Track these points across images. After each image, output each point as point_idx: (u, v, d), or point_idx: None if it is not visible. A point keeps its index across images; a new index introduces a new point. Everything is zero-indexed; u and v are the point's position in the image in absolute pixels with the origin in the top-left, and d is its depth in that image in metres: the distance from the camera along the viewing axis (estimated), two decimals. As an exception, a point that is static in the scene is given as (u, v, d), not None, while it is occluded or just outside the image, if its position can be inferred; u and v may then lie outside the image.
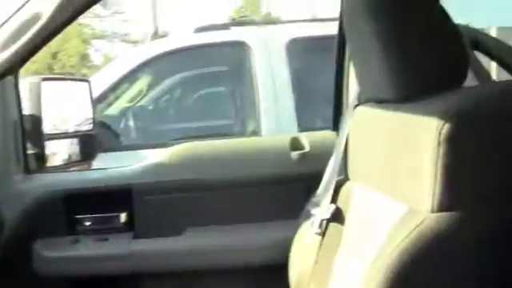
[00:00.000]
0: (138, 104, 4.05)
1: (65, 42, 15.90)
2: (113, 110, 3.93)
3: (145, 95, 4.07)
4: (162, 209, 2.11)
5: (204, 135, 3.45)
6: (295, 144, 2.11)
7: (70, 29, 2.65)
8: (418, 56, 1.22)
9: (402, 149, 1.22)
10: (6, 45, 1.76)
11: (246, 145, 2.33)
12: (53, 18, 1.73)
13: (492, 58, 3.43)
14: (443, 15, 1.24)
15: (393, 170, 1.27)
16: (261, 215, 2.08)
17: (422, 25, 1.23)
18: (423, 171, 1.11)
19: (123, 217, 2.11)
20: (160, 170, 2.13)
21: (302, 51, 3.57)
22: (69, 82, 2.72)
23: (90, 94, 2.46)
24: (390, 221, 1.21)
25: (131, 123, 3.88)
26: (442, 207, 1.09)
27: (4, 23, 1.75)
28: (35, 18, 1.74)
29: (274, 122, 3.33)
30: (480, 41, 3.42)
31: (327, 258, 1.56)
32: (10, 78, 1.98)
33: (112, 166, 2.28)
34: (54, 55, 16.26)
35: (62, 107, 2.35)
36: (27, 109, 2.08)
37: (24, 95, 2.07)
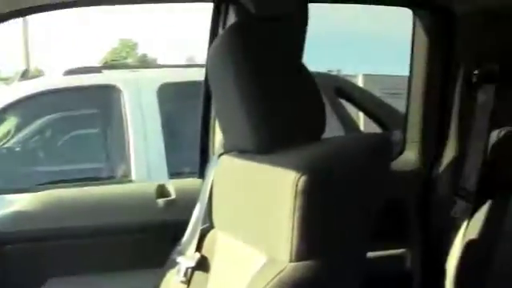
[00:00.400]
0: (5, 146, 3.90)
1: None
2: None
3: (12, 137, 3.92)
4: (22, 259, 2.03)
5: (72, 179, 3.36)
6: (161, 191, 2.11)
7: None
8: (277, 109, 1.26)
9: (261, 200, 1.25)
10: None
11: (111, 192, 2.29)
12: None
13: (355, 104, 3.60)
14: (302, 70, 1.30)
15: (253, 220, 1.29)
16: (126, 264, 2.05)
17: (283, 79, 1.28)
18: (281, 222, 1.14)
19: (-21, 269, 2.02)
20: (21, 218, 2.06)
21: (174, 96, 3.56)
22: None
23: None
24: (251, 270, 1.23)
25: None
26: (299, 257, 1.12)
27: None
28: None
29: (145, 166, 3.29)
30: (344, 88, 3.59)
31: None
32: None
33: None
34: None
35: None
36: None
37: None
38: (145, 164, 3.29)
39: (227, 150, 1.55)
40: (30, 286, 2.01)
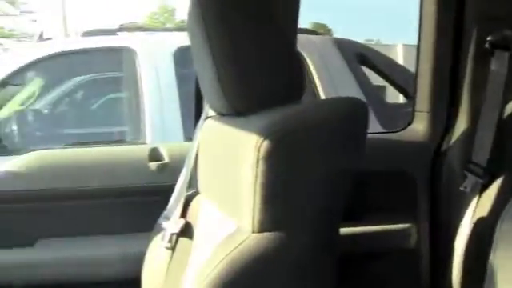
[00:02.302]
0: (33, 108, 3.89)
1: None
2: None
3: (37, 98, 3.91)
4: (15, 218, 2.02)
5: (90, 141, 3.33)
6: (154, 154, 2.06)
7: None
8: (252, 72, 1.19)
9: (231, 165, 1.19)
10: None
11: (104, 154, 2.25)
12: None
13: (378, 72, 3.50)
14: (279, 34, 1.22)
15: (225, 187, 1.24)
16: (116, 227, 2.02)
17: (257, 42, 1.20)
18: (245, 190, 1.07)
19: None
20: (14, 178, 2.04)
21: (191, 60, 3.50)
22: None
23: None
24: (219, 238, 1.17)
25: (15, 127, 3.70)
26: (262, 227, 1.06)
27: None
28: None
29: (160, 130, 3.24)
30: (366, 56, 3.48)
31: (176, 274, 1.51)
32: None
33: None
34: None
35: None
36: None
37: None
38: (160, 128, 3.24)
39: (215, 113, 1.49)
40: (21, 245, 2.00)
